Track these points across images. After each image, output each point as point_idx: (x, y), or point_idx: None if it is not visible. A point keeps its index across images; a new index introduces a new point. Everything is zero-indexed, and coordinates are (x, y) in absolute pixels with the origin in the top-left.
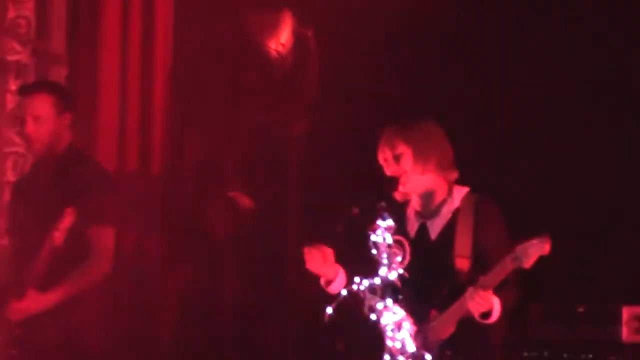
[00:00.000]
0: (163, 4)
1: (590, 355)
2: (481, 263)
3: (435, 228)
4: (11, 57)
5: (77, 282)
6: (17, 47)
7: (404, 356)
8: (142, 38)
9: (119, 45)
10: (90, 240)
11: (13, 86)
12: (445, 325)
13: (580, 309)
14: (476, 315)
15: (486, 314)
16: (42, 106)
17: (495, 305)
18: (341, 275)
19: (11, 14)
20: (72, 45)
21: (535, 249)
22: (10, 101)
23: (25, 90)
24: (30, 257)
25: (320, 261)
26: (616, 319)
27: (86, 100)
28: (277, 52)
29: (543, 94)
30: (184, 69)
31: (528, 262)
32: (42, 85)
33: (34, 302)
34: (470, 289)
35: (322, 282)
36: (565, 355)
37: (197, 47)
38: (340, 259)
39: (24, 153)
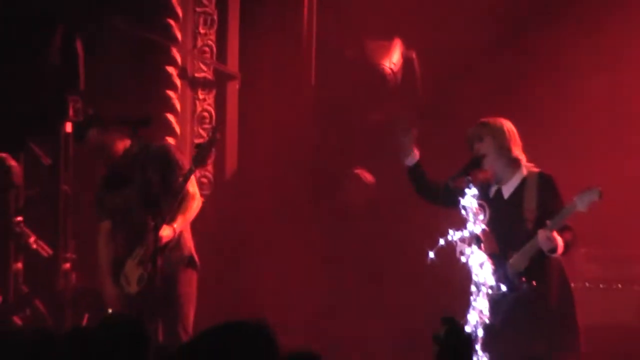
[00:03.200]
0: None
1: (620, 285)
2: (543, 214)
3: (507, 190)
4: (199, 75)
5: (186, 215)
6: (203, 67)
7: (485, 287)
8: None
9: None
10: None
11: (201, 96)
12: (521, 260)
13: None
14: (546, 250)
15: (553, 250)
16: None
17: (560, 243)
18: (416, 153)
19: (199, 42)
20: (243, 66)
21: (590, 197)
22: (199, 106)
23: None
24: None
25: (403, 128)
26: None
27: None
28: (391, 69)
29: None
30: (325, 83)
31: (584, 207)
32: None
33: (169, 231)
34: (541, 231)
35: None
36: (601, 286)
37: (333, 68)
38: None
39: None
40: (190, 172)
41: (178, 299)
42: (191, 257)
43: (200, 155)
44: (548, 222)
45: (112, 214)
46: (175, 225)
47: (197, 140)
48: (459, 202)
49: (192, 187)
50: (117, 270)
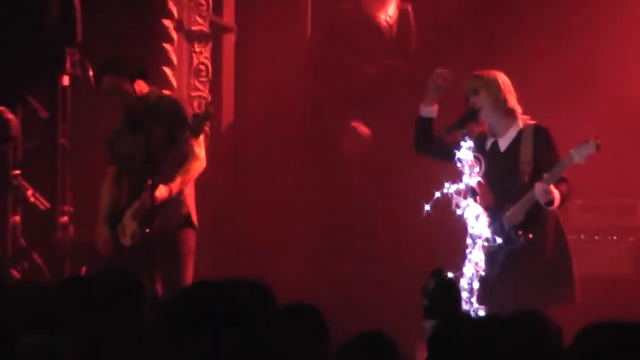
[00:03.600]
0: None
1: (615, 237)
2: (539, 166)
3: (503, 143)
4: (195, 28)
5: (186, 176)
6: (199, 20)
7: (480, 239)
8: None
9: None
10: (188, 150)
11: (198, 48)
12: (517, 213)
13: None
14: (542, 203)
15: (549, 202)
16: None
17: (556, 195)
18: (435, 108)
19: None
20: (239, 19)
21: (587, 149)
22: (195, 58)
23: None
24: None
25: (441, 83)
26: (635, 209)
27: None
28: (386, 21)
29: None
30: (321, 35)
31: (581, 159)
32: (102, 69)
33: (164, 191)
34: (538, 184)
35: (423, 105)
36: (596, 237)
37: (329, 21)
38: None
39: (205, 96)
40: (185, 138)
41: (176, 256)
42: (188, 216)
43: (196, 126)
44: (545, 175)
45: (118, 159)
46: (172, 185)
47: (193, 93)
48: (453, 155)
49: (198, 147)
50: (116, 217)
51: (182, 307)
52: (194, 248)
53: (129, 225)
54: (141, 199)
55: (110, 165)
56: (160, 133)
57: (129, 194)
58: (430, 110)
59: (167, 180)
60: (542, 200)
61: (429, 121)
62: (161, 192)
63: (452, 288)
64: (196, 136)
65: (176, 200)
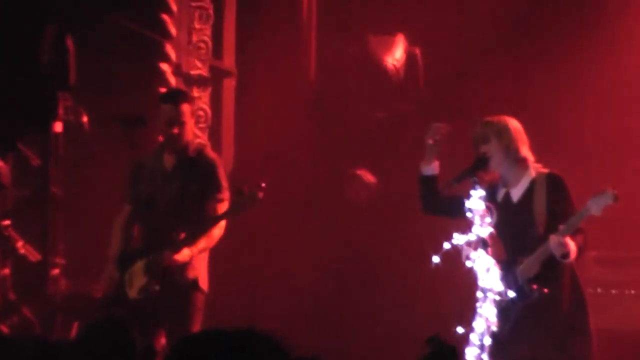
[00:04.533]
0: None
1: (633, 291)
2: (553, 217)
3: (516, 194)
4: (194, 72)
5: (208, 243)
6: (198, 64)
7: (492, 293)
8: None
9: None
10: (209, 210)
11: (197, 94)
12: (531, 266)
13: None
14: (558, 256)
15: (565, 255)
16: (187, 113)
17: (572, 248)
18: (436, 164)
19: (194, 38)
20: (240, 63)
21: (604, 200)
22: (194, 104)
23: (172, 100)
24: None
25: (438, 138)
26: None
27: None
28: (393, 65)
29: None
30: (326, 79)
31: (598, 211)
32: (185, 96)
33: (187, 255)
34: (553, 236)
35: (423, 163)
36: (613, 291)
37: (334, 64)
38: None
39: (204, 143)
40: (224, 215)
41: (183, 315)
42: (195, 281)
43: (237, 206)
44: (560, 226)
45: (138, 200)
46: (193, 249)
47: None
48: (463, 209)
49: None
50: (125, 262)
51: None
52: (202, 307)
53: (139, 277)
54: (158, 253)
55: (126, 203)
56: (193, 190)
57: (143, 242)
58: (431, 167)
59: (187, 238)
60: (557, 253)
61: (432, 179)
62: (183, 256)
63: (451, 356)
64: (236, 214)
65: (185, 263)
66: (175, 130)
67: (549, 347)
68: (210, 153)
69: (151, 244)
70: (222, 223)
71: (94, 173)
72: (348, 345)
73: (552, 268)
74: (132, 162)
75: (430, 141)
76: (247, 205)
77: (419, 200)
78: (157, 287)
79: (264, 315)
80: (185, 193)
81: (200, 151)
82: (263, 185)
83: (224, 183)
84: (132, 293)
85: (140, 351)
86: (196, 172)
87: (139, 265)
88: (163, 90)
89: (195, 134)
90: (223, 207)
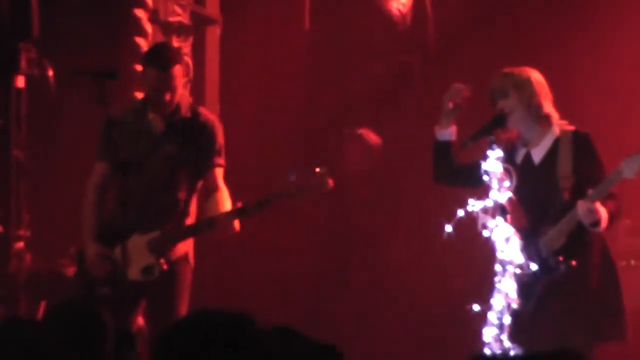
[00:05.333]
0: None
1: None
2: (581, 181)
3: (537, 154)
4: (173, 19)
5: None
6: (178, 10)
7: (512, 266)
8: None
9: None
10: (206, 178)
11: (176, 43)
12: (557, 236)
13: None
14: (587, 224)
15: (595, 223)
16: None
17: (603, 215)
18: (453, 130)
19: None
20: (225, 9)
21: (638, 162)
22: None
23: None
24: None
25: (459, 101)
26: None
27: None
28: (398, 10)
29: None
30: (322, 28)
31: (632, 173)
32: (175, 56)
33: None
34: (581, 202)
35: (438, 128)
36: None
37: (331, 11)
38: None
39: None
40: (292, 194)
41: (169, 295)
42: (186, 255)
43: (254, 209)
44: (589, 191)
45: (117, 159)
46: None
47: None
48: (479, 178)
49: (220, 178)
50: (114, 237)
51: (176, 339)
52: (190, 284)
53: (143, 256)
54: (165, 229)
55: (101, 162)
56: (190, 155)
57: (131, 213)
58: (447, 132)
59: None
60: (586, 221)
61: (447, 145)
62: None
63: None
64: (249, 215)
65: None
66: (167, 97)
67: (577, 331)
68: (207, 113)
69: (144, 218)
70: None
71: (62, 133)
72: (353, 330)
73: (580, 238)
74: (107, 116)
75: (450, 105)
76: (262, 209)
77: (432, 168)
78: (165, 266)
79: (255, 300)
80: (181, 159)
81: (195, 110)
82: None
83: (223, 147)
84: (133, 274)
85: (116, 334)
86: (192, 134)
87: (138, 240)
88: (143, 46)
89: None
90: (222, 174)
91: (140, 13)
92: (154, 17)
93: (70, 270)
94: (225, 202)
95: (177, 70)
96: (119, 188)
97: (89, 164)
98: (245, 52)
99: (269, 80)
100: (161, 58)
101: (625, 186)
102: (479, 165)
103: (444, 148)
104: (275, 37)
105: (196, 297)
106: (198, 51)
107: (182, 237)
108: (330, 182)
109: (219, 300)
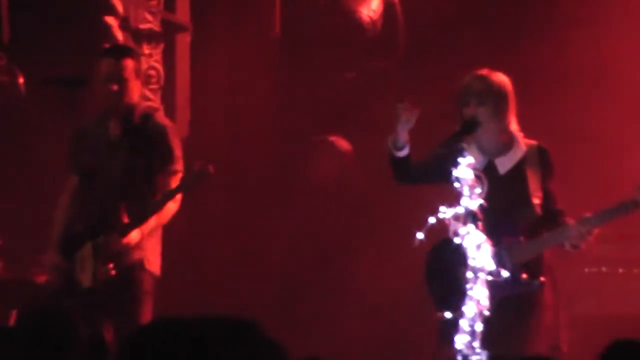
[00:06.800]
0: None
1: None
2: (547, 200)
3: (503, 164)
4: (143, 26)
5: (160, 220)
6: (149, 17)
7: (483, 272)
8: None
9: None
10: (160, 184)
11: (147, 50)
12: (529, 251)
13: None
14: (570, 245)
15: (577, 246)
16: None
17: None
18: (407, 146)
19: None
20: (195, 16)
21: None
22: (144, 62)
23: (112, 54)
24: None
25: (409, 121)
26: None
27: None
28: (369, 17)
29: None
30: (292, 35)
31: None
32: (129, 51)
33: (137, 236)
34: (577, 225)
35: (391, 141)
36: (620, 270)
37: (301, 17)
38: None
39: (156, 107)
40: (173, 192)
41: (128, 302)
42: (140, 262)
43: (186, 185)
44: (590, 216)
45: (84, 171)
46: (144, 229)
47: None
48: (445, 174)
49: (175, 184)
50: (70, 245)
51: (141, 346)
52: (151, 290)
53: (91, 263)
54: (108, 235)
55: (73, 174)
56: (141, 163)
57: (89, 221)
58: (404, 147)
59: (137, 217)
60: (572, 242)
61: (404, 160)
62: (133, 238)
63: None
64: (185, 192)
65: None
66: (115, 87)
67: (530, 342)
68: (160, 118)
69: (98, 224)
70: (178, 196)
71: (32, 141)
72: (324, 331)
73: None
74: (73, 128)
75: (398, 121)
76: (196, 183)
77: (394, 177)
78: (112, 272)
79: (228, 301)
80: (132, 166)
81: (147, 117)
82: (207, 162)
83: (177, 152)
84: (86, 281)
85: (88, 343)
86: (143, 141)
87: (89, 247)
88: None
89: (145, 96)
90: (177, 180)
91: (110, 20)
92: (124, 24)
93: (41, 279)
94: (161, 211)
95: (129, 63)
96: (80, 196)
97: (58, 172)
98: (216, 59)
99: (240, 88)
100: (114, 49)
101: (593, 194)
102: (436, 160)
103: (400, 160)
104: (245, 44)
105: (168, 301)
106: (168, 58)
107: (107, 244)
108: (211, 169)
109: (191, 306)
